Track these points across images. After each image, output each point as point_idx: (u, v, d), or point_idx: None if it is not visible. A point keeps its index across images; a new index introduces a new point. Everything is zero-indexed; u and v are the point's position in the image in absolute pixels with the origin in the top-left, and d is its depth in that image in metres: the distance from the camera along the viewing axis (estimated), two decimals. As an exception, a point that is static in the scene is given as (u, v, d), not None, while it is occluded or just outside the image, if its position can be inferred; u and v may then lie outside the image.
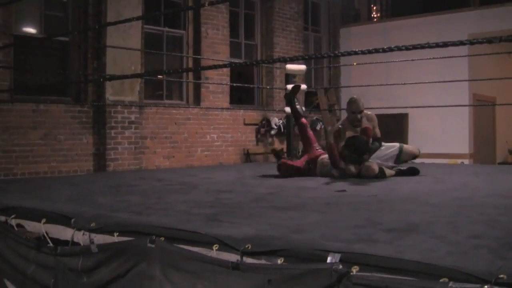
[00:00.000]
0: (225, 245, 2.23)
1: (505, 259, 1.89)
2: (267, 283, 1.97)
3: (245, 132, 9.74)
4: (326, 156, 5.45)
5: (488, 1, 10.07)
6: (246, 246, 2.16)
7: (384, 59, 8.23)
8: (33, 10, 7.34)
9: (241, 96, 10.21)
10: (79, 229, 2.80)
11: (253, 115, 9.92)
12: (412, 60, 7.27)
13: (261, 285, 1.98)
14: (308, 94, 10.62)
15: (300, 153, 7.17)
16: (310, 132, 5.92)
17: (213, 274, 2.14)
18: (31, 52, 7.45)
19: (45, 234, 2.95)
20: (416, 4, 11.44)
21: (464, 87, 9.75)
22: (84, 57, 7.64)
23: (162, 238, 2.41)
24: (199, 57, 8.72)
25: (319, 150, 5.70)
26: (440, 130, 10.25)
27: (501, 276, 1.61)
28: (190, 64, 9.09)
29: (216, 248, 2.25)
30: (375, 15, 12.24)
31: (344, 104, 7.07)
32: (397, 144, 5.69)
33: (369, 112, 5.70)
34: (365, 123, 5.48)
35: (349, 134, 5.39)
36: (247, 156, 9.63)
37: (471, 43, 2.18)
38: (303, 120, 6.02)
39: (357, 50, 2.51)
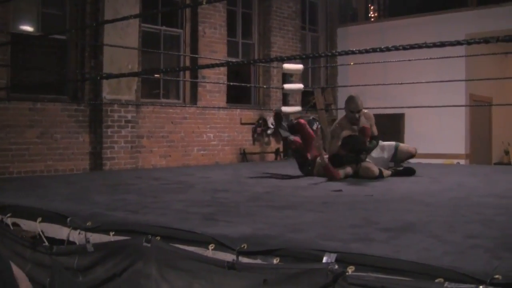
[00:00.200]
0: (221, 245, 2.23)
1: (501, 259, 1.90)
2: (263, 282, 1.96)
3: (242, 132, 9.73)
4: (326, 156, 5.45)
5: (486, 1, 10.07)
6: (242, 246, 2.16)
7: (381, 59, 8.22)
8: (31, 8, 7.31)
9: (238, 95, 10.20)
10: (75, 228, 2.80)
11: (250, 115, 9.91)
12: (409, 60, 7.27)
13: (256, 284, 1.98)
14: (305, 94, 10.63)
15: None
16: (310, 131, 5.91)
17: (209, 273, 2.14)
18: (28, 50, 7.42)
19: (40, 233, 2.94)
20: (413, 4, 11.44)
21: (460, 87, 9.77)
22: (81, 56, 7.63)
23: (158, 238, 2.41)
24: (196, 56, 8.71)
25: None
26: (437, 130, 10.25)
27: (497, 276, 1.62)
28: (187, 63, 9.07)
29: (212, 247, 2.25)
30: (372, 15, 12.24)
31: (340, 104, 7.07)
32: (393, 143, 5.69)
33: (365, 110, 5.68)
34: (363, 122, 5.47)
35: (347, 133, 5.38)
36: (244, 156, 9.63)
37: (468, 43, 2.18)
38: (301, 120, 6.01)
39: (354, 49, 2.51)
